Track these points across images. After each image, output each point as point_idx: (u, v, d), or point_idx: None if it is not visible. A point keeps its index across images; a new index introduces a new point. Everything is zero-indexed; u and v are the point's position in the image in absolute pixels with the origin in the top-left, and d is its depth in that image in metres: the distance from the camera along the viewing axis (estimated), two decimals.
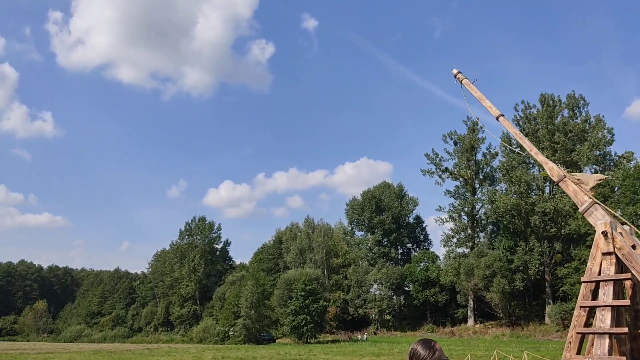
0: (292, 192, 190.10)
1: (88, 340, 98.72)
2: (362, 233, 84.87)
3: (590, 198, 7.43)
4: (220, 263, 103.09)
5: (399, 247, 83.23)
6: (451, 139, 73.54)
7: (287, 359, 30.80)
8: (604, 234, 6.79)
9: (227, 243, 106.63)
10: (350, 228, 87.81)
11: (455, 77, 9.24)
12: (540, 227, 60.35)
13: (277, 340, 72.12)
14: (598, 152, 60.01)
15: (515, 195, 61.34)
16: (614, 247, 6.73)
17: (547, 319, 59.64)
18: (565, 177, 7.71)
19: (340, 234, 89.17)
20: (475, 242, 71.20)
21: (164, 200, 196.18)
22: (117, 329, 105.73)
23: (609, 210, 7.21)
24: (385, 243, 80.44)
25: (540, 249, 60.56)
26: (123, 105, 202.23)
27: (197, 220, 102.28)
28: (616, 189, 55.15)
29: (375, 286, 75.85)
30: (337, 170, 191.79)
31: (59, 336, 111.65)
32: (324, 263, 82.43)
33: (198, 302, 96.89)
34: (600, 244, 6.85)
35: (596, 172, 61.07)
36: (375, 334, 66.34)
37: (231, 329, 73.52)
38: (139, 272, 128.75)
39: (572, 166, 59.99)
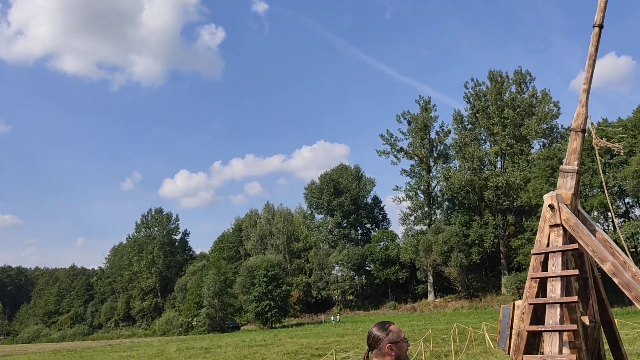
0: (250, 179, 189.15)
1: (47, 340, 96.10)
2: (322, 216, 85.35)
3: (577, 167, 7.60)
4: (180, 254, 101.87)
5: (358, 228, 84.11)
6: (405, 118, 74.43)
7: (253, 345, 30.82)
8: (551, 207, 6.98)
9: (185, 233, 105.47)
10: (309, 212, 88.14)
11: None
12: (493, 201, 62.04)
13: (241, 328, 72.10)
14: (545, 126, 61.91)
15: (468, 172, 62.74)
16: (560, 219, 6.93)
17: (503, 289, 61.67)
18: (583, 131, 7.80)
19: (300, 218, 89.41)
20: (432, 219, 72.63)
21: (118, 193, 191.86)
22: (76, 326, 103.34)
23: (578, 186, 7.39)
24: (345, 225, 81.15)
25: (494, 222, 62.34)
26: (69, 97, 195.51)
27: (153, 212, 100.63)
28: (563, 160, 57.12)
29: (337, 268, 76.64)
30: (295, 154, 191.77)
31: (16, 338, 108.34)
32: (285, 248, 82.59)
33: (159, 294, 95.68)
34: (547, 216, 7.05)
35: (544, 145, 63.11)
36: (339, 314, 67.12)
37: (194, 319, 73.02)
38: (96, 268, 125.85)
39: (522, 140, 61.82)
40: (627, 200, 55.36)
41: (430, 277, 68.01)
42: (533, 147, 64.11)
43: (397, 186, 76.88)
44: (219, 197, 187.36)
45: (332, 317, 65.16)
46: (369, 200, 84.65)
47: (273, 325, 66.21)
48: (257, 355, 23.46)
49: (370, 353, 3.34)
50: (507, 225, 62.69)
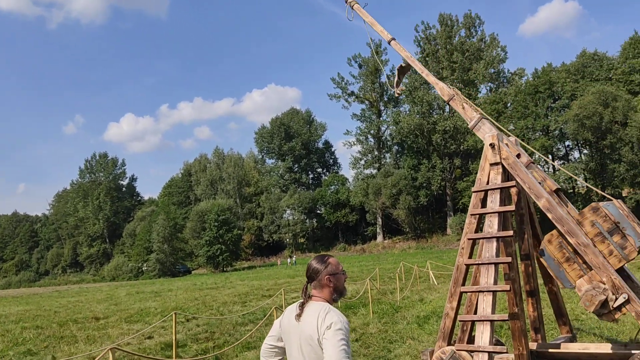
0: (199, 123, 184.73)
1: None
2: (273, 161, 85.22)
3: (478, 114, 7.71)
4: (128, 199, 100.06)
5: (309, 172, 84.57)
6: (356, 62, 73.96)
7: (204, 288, 31.08)
8: (492, 145, 7.12)
9: (133, 179, 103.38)
10: (260, 156, 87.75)
11: (346, 2, 9.03)
12: (441, 144, 63.34)
13: (193, 272, 72.42)
14: (493, 70, 62.90)
15: (418, 116, 63.50)
16: (500, 158, 7.08)
17: (448, 230, 64.01)
18: (455, 95, 7.91)
19: (251, 163, 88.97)
20: (382, 162, 73.73)
21: (60, 138, 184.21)
22: (21, 273, 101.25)
23: (495, 123, 7.54)
24: (296, 169, 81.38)
25: (441, 166, 63.89)
26: (2, 36, 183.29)
27: (98, 157, 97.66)
28: (509, 104, 58.53)
29: (288, 211, 77.32)
30: (245, 98, 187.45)
31: None
32: (236, 193, 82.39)
33: (107, 240, 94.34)
34: (488, 155, 7.19)
35: (491, 89, 64.28)
36: (290, 257, 68.29)
37: (144, 265, 72.73)
38: (39, 215, 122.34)
39: (470, 84, 62.69)
40: (567, 143, 57.61)
41: (379, 220, 69.70)
42: (480, 92, 65.31)
43: (348, 130, 77.53)
44: (167, 142, 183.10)
45: (287, 260, 66.17)
46: (320, 145, 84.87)
47: (225, 269, 66.80)
48: (208, 298, 23.69)
49: (309, 285, 3.38)
50: (453, 168, 64.40)
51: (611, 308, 6.16)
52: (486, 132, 7.37)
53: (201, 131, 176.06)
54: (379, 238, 70.66)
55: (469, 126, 7.77)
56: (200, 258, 70.42)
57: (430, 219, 69.61)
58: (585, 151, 55.71)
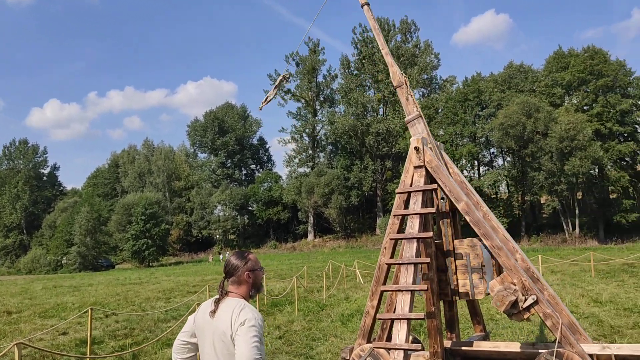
0: (129, 113, 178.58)
1: None
2: (206, 155, 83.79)
3: (417, 111, 7.88)
4: (49, 189, 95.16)
5: (242, 168, 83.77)
6: (293, 60, 73.94)
7: (127, 283, 30.11)
8: (416, 149, 7.29)
9: (55, 167, 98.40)
10: (192, 150, 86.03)
11: None
12: (374, 146, 64.50)
13: (116, 266, 69.98)
14: (426, 76, 64.72)
15: (352, 117, 64.35)
16: (424, 161, 7.27)
17: (377, 230, 65.29)
18: (404, 84, 8.06)
19: (182, 156, 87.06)
20: (316, 162, 74.18)
21: None
22: None
23: (427, 126, 7.75)
24: (229, 165, 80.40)
25: (373, 167, 65.10)
26: None
27: (17, 143, 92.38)
28: (440, 110, 60.43)
29: (219, 207, 76.26)
30: (179, 89, 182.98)
31: None
32: (165, 186, 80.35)
33: (24, 231, 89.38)
34: (412, 158, 7.37)
35: (424, 95, 66.09)
36: (219, 253, 67.32)
37: (64, 258, 69.56)
38: None
39: None
40: (492, 150, 60.13)
41: (311, 218, 70.12)
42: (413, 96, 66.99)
43: (283, 128, 77.44)
44: (94, 131, 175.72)
45: (220, 256, 65.04)
46: (255, 141, 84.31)
47: (150, 264, 65.03)
48: (131, 293, 22.96)
49: (226, 281, 3.34)
50: (384, 170, 65.75)
51: (521, 308, 6.47)
52: (418, 132, 7.60)
53: (131, 121, 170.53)
54: (310, 236, 71.07)
55: (405, 119, 7.95)
56: (125, 252, 68.18)
57: (360, 219, 70.73)
58: (508, 159, 58.35)
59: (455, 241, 7.27)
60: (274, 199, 72.08)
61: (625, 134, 52.42)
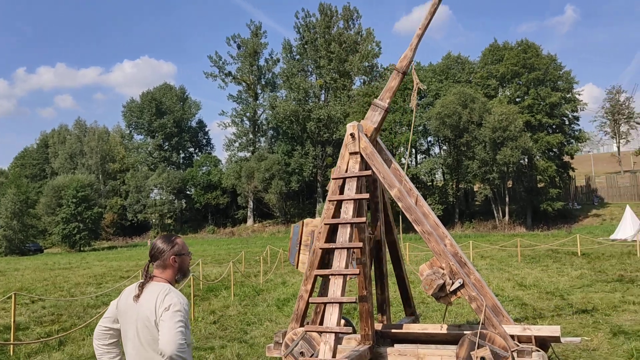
0: (61, 91, 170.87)
1: None
2: (142, 137, 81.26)
3: (387, 105, 7.99)
4: None
5: (180, 152, 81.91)
6: (235, 42, 72.80)
7: (56, 268, 28.96)
8: (352, 135, 7.36)
9: None
10: (128, 131, 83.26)
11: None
12: (315, 132, 64.66)
13: (45, 251, 67.12)
14: (367, 64, 65.25)
15: (294, 102, 64.16)
16: (359, 147, 7.35)
17: (317, 216, 65.71)
18: (404, 74, 8.20)
19: (117, 137, 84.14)
20: (256, 146, 73.60)
21: None
22: None
23: (382, 122, 7.92)
24: (166, 147, 78.44)
25: (314, 153, 65.32)
26: None
27: None
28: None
29: (155, 191, 74.44)
30: (115, 68, 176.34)
31: None
32: (98, 168, 77.53)
33: None
34: (348, 144, 7.43)
35: (365, 82, 66.68)
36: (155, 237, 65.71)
37: None
38: None
39: (345, 75, 64.53)
40: (429, 138, 61.61)
41: (251, 203, 69.68)
42: (354, 83, 67.50)
43: (223, 111, 76.15)
44: (23, 109, 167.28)
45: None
46: (194, 124, 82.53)
47: (82, 249, 62.80)
48: (60, 278, 22.11)
49: (151, 264, 3.27)
50: (325, 156, 66.12)
51: (448, 292, 6.70)
52: (372, 120, 7.72)
53: (63, 100, 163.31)
54: (249, 221, 70.67)
55: (374, 101, 8.07)
56: (55, 236, 65.49)
57: (300, 204, 70.95)
58: (444, 147, 60.00)
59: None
60: (212, 183, 71.06)
61: (554, 126, 54.99)
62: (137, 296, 3.14)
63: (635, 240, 25.12)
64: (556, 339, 6.89)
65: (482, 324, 6.52)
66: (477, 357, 6.28)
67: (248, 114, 73.05)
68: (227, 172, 69.16)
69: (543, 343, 6.99)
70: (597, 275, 16.01)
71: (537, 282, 14.98)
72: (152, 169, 75.16)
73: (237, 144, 73.50)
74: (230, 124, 73.28)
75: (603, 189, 62.59)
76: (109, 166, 78.69)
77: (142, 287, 3.17)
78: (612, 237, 33.85)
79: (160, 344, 2.88)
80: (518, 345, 6.41)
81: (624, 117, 75.29)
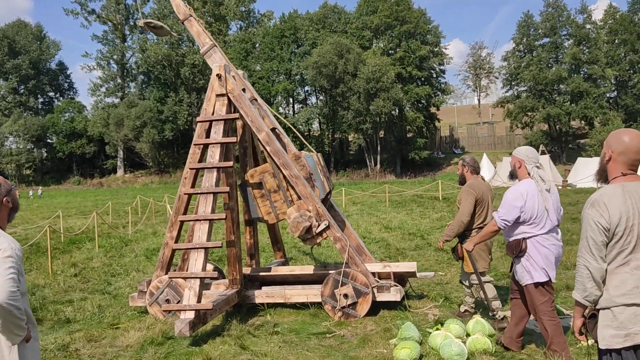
0: None
1: None
2: None
3: (211, 41, 7.59)
4: None
5: (39, 96, 74.80)
6: None
7: None
8: (219, 76, 7.09)
9: None
10: None
11: None
12: (189, 78, 62.10)
13: None
14: (243, 9, 63.34)
15: (166, 46, 60.85)
16: (226, 89, 7.11)
17: None
18: (192, 16, 7.63)
19: None
20: (126, 92, 69.32)
21: None
22: None
23: (224, 55, 7.53)
24: (22, 91, 71.15)
25: (189, 100, 62.89)
26: None
27: None
28: (257, 45, 60.04)
29: (11, 139, 67.77)
30: None
31: None
32: None
33: None
34: (214, 86, 7.16)
35: (241, 28, 64.89)
36: (40, 189, 59.81)
37: None
38: None
39: (221, 20, 62.25)
40: (306, 88, 61.95)
41: (121, 152, 66.05)
42: (231, 29, 65.41)
43: (87, 53, 70.21)
44: None
45: (30, 192, 56.94)
46: (53, 66, 75.42)
47: None
48: None
49: None
50: (201, 104, 63.75)
51: (314, 233, 6.84)
52: (216, 61, 7.34)
53: None
54: (120, 172, 67.15)
55: (201, 51, 7.67)
56: None
57: (175, 153, 68.55)
58: (321, 97, 60.74)
59: (248, 172, 7.37)
60: (77, 131, 66.07)
61: (423, 79, 57.79)
62: None
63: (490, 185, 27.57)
64: (412, 274, 7.37)
65: (345, 263, 6.77)
66: (340, 294, 6.54)
67: (115, 57, 68.22)
68: (94, 119, 64.61)
69: (401, 278, 7.46)
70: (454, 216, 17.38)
71: (401, 225, 15.92)
72: (6, 115, 68.12)
73: (103, 89, 68.73)
74: (96, 67, 68.16)
75: (464, 139, 67.66)
76: None
77: None
78: None
79: None
80: (378, 282, 6.77)
81: (485, 71, 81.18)
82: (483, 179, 6.61)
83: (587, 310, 2.90)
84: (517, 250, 4.78)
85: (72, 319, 7.08)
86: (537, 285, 4.74)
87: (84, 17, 66.95)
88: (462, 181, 6.51)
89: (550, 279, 4.75)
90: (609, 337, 2.74)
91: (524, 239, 4.76)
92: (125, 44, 68.43)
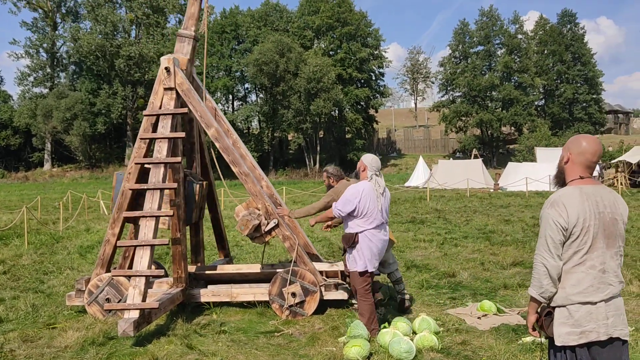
0: None
1: None
2: None
3: (194, 33, 7.46)
4: None
5: None
6: None
7: None
8: (167, 69, 6.91)
9: None
10: None
11: None
12: (125, 71, 60.01)
13: None
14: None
15: (100, 36, 58.54)
16: (174, 83, 6.95)
17: (126, 161, 61.91)
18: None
19: None
20: (55, 82, 66.13)
21: None
22: None
23: (194, 53, 7.42)
24: None
25: (124, 93, 60.77)
26: None
27: None
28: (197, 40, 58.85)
29: None
30: None
31: None
32: None
33: None
34: (162, 78, 6.99)
35: (180, 21, 63.41)
36: None
37: None
38: None
39: (159, 12, 60.62)
40: (246, 85, 61.38)
41: (48, 145, 62.98)
42: (169, 22, 63.76)
43: (14, 40, 66.40)
44: None
45: None
46: None
47: None
48: None
49: None
50: (136, 98, 62.06)
51: (263, 232, 6.79)
52: (182, 52, 7.25)
53: None
54: (47, 165, 63.99)
55: (179, 30, 7.52)
56: None
57: (107, 148, 66.08)
58: (261, 95, 60.31)
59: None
60: (2, 121, 62.48)
61: (362, 81, 58.62)
62: None
63: (426, 187, 28.39)
64: None
65: (294, 261, 6.77)
66: (288, 293, 6.53)
67: (45, 45, 64.92)
68: (20, 110, 61.25)
69: (347, 277, 7.53)
70: (393, 217, 17.73)
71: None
72: None
73: (31, 79, 65.21)
74: (24, 55, 64.51)
75: (401, 141, 69.19)
76: None
77: None
78: (406, 184, 37.85)
79: None
80: (326, 280, 6.80)
81: (422, 76, 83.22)
82: (348, 180, 6.94)
83: (540, 307, 3.03)
84: (350, 241, 5.75)
85: (4, 319, 6.70)
86: (360, 273, 5.73)
87: (13, 2, 63.22)
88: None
89: (368, 270, 5.73)
90: (564, 335, 2.87)
91: (357, 233, 5.72)
92: (57, 32, 65.28)
